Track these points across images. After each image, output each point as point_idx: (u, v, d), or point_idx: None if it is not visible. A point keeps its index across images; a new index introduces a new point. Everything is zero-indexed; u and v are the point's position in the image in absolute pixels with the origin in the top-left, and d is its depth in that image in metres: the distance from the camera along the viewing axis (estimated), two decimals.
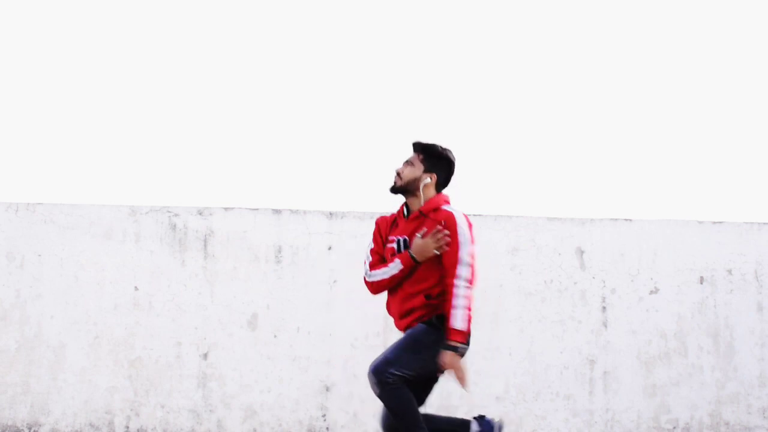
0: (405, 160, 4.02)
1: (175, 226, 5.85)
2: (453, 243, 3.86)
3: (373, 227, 4.41)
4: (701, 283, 6.01)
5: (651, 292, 5.99)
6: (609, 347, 5.94)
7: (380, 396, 3.79)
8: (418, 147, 4.03)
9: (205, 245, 5.84)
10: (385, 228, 4.03)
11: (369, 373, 3.78)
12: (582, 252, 5.99)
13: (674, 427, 5.90)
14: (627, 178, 8.96)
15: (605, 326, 5.95)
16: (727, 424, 5.93)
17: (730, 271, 6.03)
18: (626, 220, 6.05)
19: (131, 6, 9.12)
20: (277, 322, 5.81)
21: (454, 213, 3.91)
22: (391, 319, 4.28)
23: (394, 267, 3.88)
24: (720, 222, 6.08)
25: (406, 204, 4.02)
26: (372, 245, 4.04)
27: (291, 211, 5.92)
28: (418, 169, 3.98)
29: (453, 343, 3.77)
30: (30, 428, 5.69)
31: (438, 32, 9.26)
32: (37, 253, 5.78)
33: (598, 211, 7.90)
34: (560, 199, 8.62)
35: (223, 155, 8.77)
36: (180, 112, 8.92)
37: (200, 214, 5.88)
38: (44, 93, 8.92)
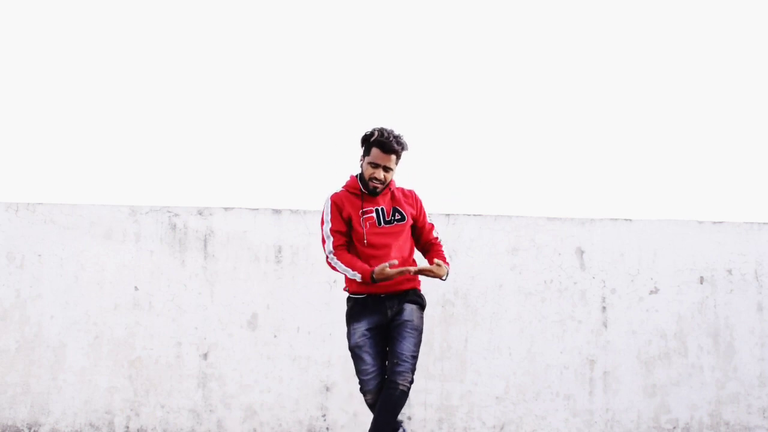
0: (383, 166, 4.25)
1: (175, 226, 5.85)
2: (422, 211, 4.43)
3: None
4: (701, 283, 6.01)
5: (651, 292, 5.99)
6: (609, 347, 5.94)
7: (405, 394, 4.15)
8: (399, 150, 4.28)
9: (205, 245, 5.84)
10: (348, 205, 4.31)
11: (407, 370, 4.15)
12: (582, 252, 5.99)
13: (674, 427, 5.90)
14: (627, 178, 8.96)
15: (605, 326, 5.95)
16: (727, 424, 5.93)
17: (730, 271, 6.03)
18: (626, 220, 6.05)
19: (131, 6, 9.12)
20: (277, 322, 5.81)
21: (412, 189, 4.49)
22: None
23: (353, 275, 4.22)
24: (720, 222, 6.08)
25: (360, 181, 4.36)
26: (331, 224, 4.30)
27: (291, 211, 5.92)
28: (395, 168, 4.32)
29: (448, 269, 4.36)
30: (30, 428, 5.69)
31: (438, 32, 9.27)
32: (37, 253, 5.78)
33: (598, 211, 7.89)
34: (560, 199, 8.62)
35: (223, 155, 8.77)
36: (180, 112, 8.92)
37: (200, 214, 5.88)
38: (44, 93, 8.92)
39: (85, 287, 5.77)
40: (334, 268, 4.30)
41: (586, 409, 5.89)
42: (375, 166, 4.24)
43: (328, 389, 5.78)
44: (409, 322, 4.24)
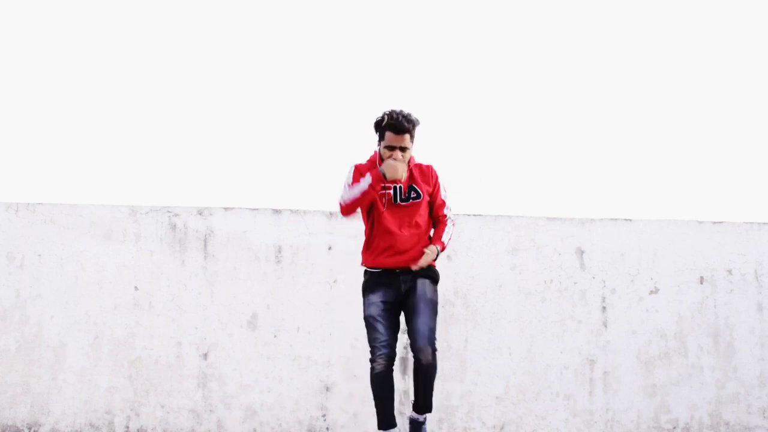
0: (399, 146, 4.39)
1: (175, 226, 5.85)
2: (437, 186, 4.55)
3: None
4: (701, 283, 6.01)
5: (651, 292, 5.99)
6: (609, 347, 5.94)
7: (431, 364, 4.30)
8: (411, 128, 4.41)
9: (205, 245, 5.84)
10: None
11: (425, 344, 4.28)
12: (582, 252, 5.99)
13: (674, 427, 5.90)
14: (627, 178, 8.96)
15: (605, 326, 5.95)
16: (727, 424, 5.93)
17: (730, 271, 6.03)
18: (626, 220, 6.05)
19: (131, 6, 9.12)
20: (277, 322, 5.81)
21: (430, 165, 4.60)
22: None
23: (365, 181, 4.34)
24: (720, 222, 6.08)
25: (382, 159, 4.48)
26: (351, 182, 4.46)
27: (291, 211, 5.92)
28: (411, 146, 4.45)
29: (436, 248, 4.48)
30: (30, 428, 5.69)
31: (438, 32, 9.27)
32: (37, 253, 5.78)
33: (598, 211, 7.89)
34: (560, 199, 8.62)
35: (223, 155, 8.77)
36: (180, 112, 8.92)
37: (200, 214, 5.88)
38: (44, 93, 8.92)
39: (85, 287, 5.77)
40: (347, 206, 4.41)
41: (586, 409, 5.89)
42: (391, 148, 4.40)
43: (328, 389, 5.78)
44: (422, 296, 4.40)
